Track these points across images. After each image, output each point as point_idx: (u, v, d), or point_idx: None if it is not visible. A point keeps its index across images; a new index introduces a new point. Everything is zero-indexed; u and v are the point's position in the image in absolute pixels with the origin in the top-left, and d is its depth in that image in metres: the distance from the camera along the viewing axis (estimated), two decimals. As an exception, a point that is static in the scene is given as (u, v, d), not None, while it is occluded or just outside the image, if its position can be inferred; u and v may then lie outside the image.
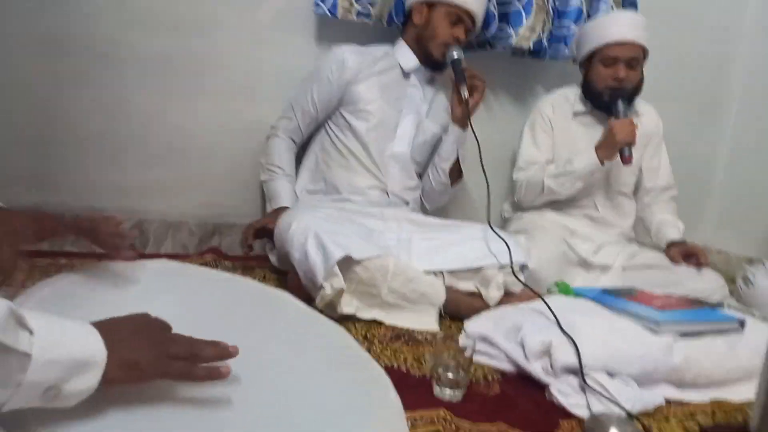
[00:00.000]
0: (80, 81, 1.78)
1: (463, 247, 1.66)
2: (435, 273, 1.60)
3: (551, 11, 2.20)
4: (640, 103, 2.11)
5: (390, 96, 1.88)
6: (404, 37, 1.93)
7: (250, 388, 0.74)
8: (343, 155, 1.87)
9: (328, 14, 1.92)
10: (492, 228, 1.70)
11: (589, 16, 2.23)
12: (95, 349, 0.64)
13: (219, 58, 1.92)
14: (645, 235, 2.18)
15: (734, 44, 2.72)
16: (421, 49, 1.88)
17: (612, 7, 2.26)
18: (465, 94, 1.78)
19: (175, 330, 0.73)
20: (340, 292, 1.45)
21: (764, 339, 0.90)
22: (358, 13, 1.96)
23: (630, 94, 2.00)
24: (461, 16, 1.84)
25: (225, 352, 0.74)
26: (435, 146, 1.97)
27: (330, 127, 1.90)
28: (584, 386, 1.17)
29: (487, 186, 1.75)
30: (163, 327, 0.74)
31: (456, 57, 1.81)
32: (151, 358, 0.69)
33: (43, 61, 1.73)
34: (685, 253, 1.94)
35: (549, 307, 1.37)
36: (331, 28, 2.01)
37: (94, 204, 1.85)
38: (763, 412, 0.88)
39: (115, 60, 1.81)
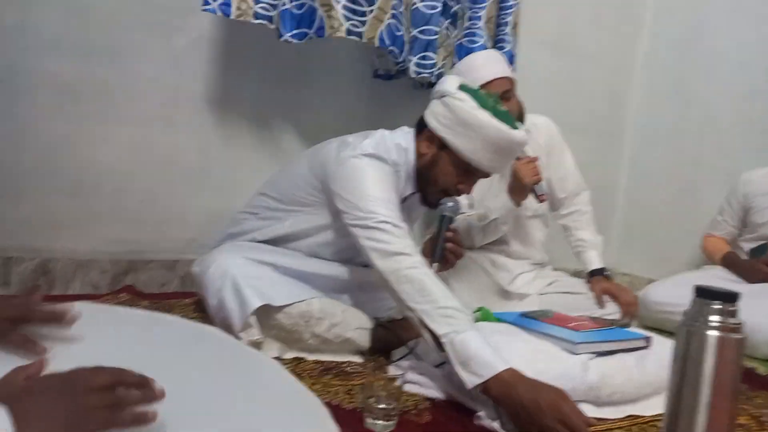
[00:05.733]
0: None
1: None
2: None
3: (455, 48, 2.27)
4: (530, 119, 2.08)
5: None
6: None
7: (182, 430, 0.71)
8: None
9: (219, 12, 1.72)
10: None
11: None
12: None
13: (133, 85, 1.86)
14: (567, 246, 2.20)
15: (627, 77, 2.97)
16: (419, 180, 1.58)
17: (512, 46, 2.34)
18: (433, 268, 1.44)
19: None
20: (257, 343, 1.41)
21: (668, 354, 0.96)
22: (257, 15, 1.74)
23: None
24: (474, 171, 1.52)
25: (151, 394, 0.71)
26: None
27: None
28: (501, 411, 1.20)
29: None
30: (77, 382, 0.69)
31: (447, 215, 1.54)
32: (68, 423, 0.65)
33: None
34: (607, 293, 1.98)
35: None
36: (245, 55, 1.96)
37: (-7, 242, 1.72)
38: (671, 424, 0.94)
39: (15, 87, 1.71)
